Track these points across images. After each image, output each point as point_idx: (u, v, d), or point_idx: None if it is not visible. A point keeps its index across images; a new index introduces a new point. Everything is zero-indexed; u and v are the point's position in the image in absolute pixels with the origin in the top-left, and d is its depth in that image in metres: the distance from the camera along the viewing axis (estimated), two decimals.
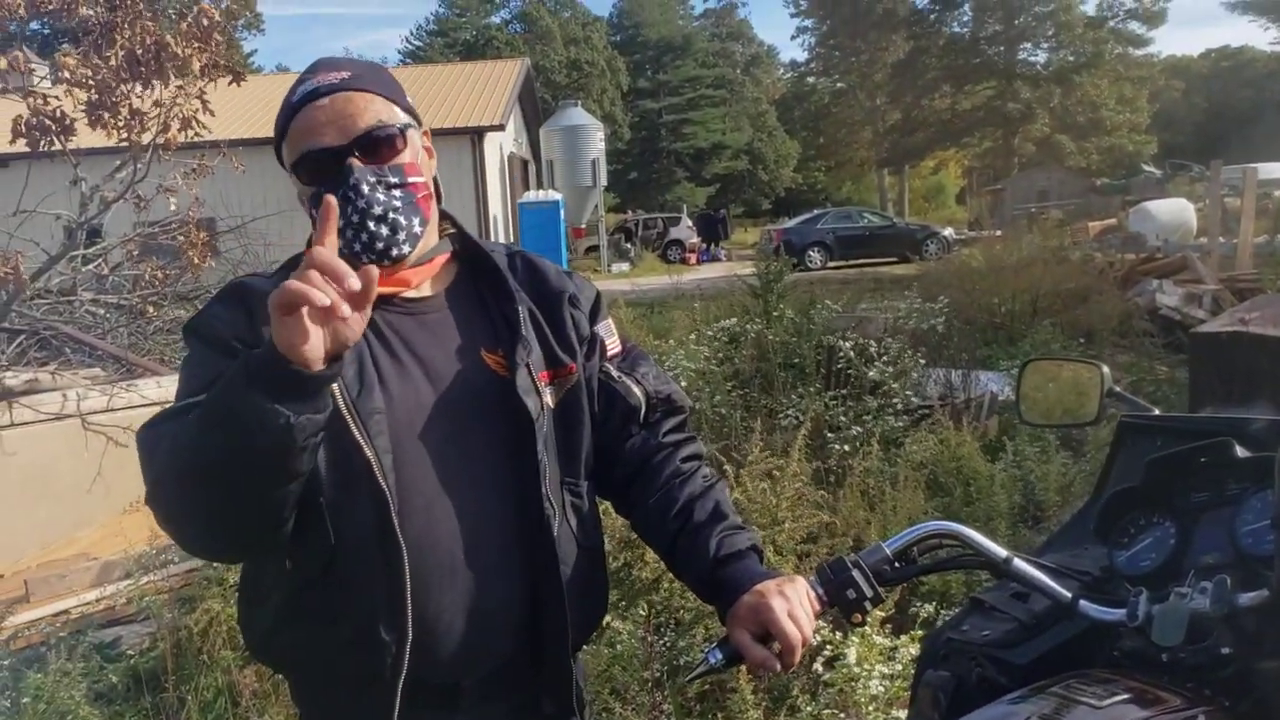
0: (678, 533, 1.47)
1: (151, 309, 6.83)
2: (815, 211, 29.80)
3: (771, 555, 3.41)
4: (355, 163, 1.32)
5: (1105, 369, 1.67)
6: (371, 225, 1.33)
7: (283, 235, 8.21)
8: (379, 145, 1.35)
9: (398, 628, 1.31)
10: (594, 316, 1.55)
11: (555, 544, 1.40)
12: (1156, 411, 1.60)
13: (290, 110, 1.36)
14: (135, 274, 6.91)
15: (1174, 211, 20.14)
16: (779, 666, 1.30)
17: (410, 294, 1.43)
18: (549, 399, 1.44)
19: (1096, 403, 1.66)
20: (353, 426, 1.28)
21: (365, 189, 1.32)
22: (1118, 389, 1.66)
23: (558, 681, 1.46)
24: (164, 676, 3.35)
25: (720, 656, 1.33)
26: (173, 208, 6.45)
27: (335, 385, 1.23)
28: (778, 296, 6.87)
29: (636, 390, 1.55)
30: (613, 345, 1.57)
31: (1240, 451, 1.30)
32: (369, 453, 1.28)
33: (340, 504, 1.30)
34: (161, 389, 5.48)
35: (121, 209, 6.34)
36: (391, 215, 1.34)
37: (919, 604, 3.19)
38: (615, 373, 1.55)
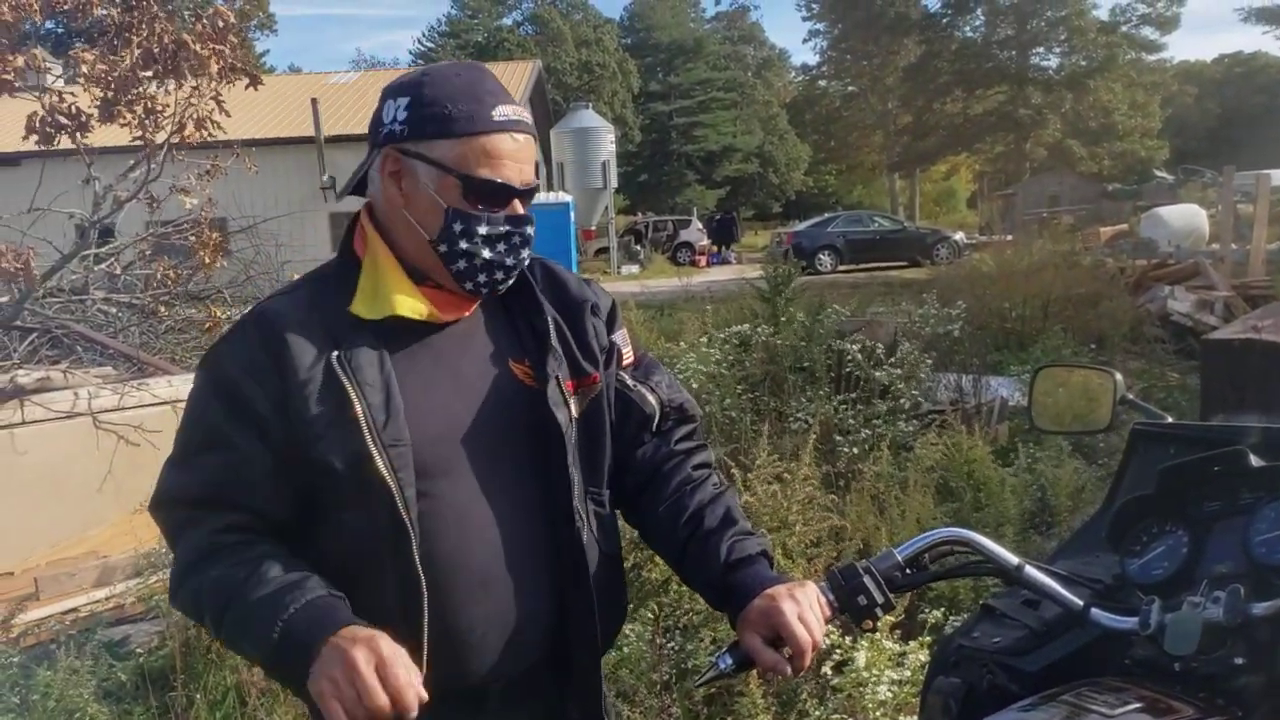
0: (688, 539, 1.47)
1: (163, 308, 6.85)
2: (826, 215, 29.80)
3: (780, 559, 3.40)
4: (531, 215, 1.39)
5: (1118, 375, 1.67)
6: (513, 272, 1.41)
7: (294, 236, 8.27)
8: (529, 197, 1.40)
9: (413, 647, 1.28)
10: (610, 325, 1.55)
11: (584, 553, 1.41)
12: (1169, 419, 1.60)
13: (485, 123, 1.34)
14: (147, 273, 6.92)
15: (1186, 217, 20.04)
16: (789, 670, 1.29)
17: None
18: (574, 409, 1.44)
19: (1109, 409, 1.66)
20: (377, 458, 1.28)
21: (531, 242, 1.41)
22: (1130, 396, 1.66)
23: (586, 689, 1.47)
24: (172, 675, 3.35)
25: (731, 661, 1.33)
26: (188, 208, 6.47)
27: (360, 411, 1.27)
28: (786, 300, 6.85)
29: (651, 398, 1.55)
30: (628, 354, 1.57)
31: (1254, 460, 1.29)
32: (392, 485, 1.29)
33: (362, 530, 1.31)
34: (172, 388, 5.49)
35: (134, 208, 6.37)
36: (523, 264, 1.43)
37: (928, 610, 3.17)
38: (630, 381, 1.55)
